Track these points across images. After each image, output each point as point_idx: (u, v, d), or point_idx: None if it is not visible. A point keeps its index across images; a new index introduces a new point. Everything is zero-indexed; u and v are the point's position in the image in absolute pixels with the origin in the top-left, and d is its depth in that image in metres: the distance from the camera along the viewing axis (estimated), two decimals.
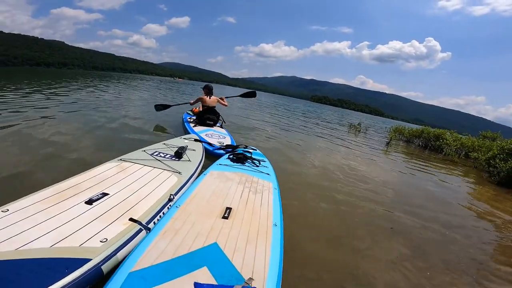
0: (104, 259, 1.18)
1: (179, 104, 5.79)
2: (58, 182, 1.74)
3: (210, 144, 3.52)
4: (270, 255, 1.29)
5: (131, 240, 1.35)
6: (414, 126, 14.00)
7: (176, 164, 2.49)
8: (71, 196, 1.60)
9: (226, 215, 1.64)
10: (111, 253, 1.23)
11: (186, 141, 3.36)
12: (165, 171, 2.26)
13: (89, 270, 1.11)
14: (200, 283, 1.02)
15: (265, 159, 3.17)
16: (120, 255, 1.26)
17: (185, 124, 4.68)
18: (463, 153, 9.31)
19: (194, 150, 3.04)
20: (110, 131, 4.38)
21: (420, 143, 10.65)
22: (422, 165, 6.36)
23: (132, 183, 1.92)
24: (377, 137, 11.28)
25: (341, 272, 1.76)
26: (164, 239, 1.34)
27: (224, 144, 3.59)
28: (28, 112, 4.81)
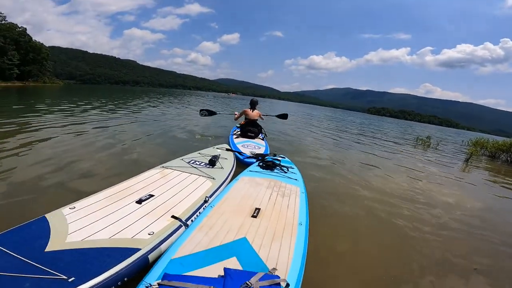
0: (150, 249, 1.37)
1: (225, 113, 5.98)
2: (113, 184, 2.05)
3: (240, 153, 3.68)
4: (294, 250, 1.36)
5: (173, 234, 1.53)
6: (497, 138, 12.05)
7: (210, 170, 2.69)
8: (124, 196, 1.87)
9: (255, 214, 1.75)
10: (156, 244, 1.41)
11: (218, 150, 3.58)
12: (201, 176, 2.47)
13: (138, 258, 1.29)
14: (229, 268, 1.14)
15: (294, 166, 3.23)
16: (163, 246, 1.44)
17: (230, 137, 4.93)
18: None
19: (226, 158, 3.23)
20: (160, 141, 4.98)
21: (508, 158, 8.96)
22: None
23: (173, 187, 2.15)
24: (452, 153, 9.62)
25: None
26: (200, 233, 1.49)
27: (255, 153, 3.73)
28: (104, 123, 5.66)
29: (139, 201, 1.81)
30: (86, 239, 1.38)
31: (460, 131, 65.27)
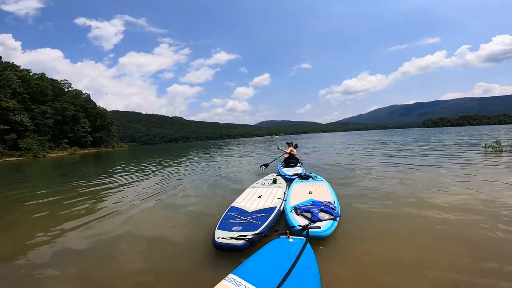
0: (279, 207, 3.57)
1: (277, 158, 8.38)
2: (242, 191, 4.36)
3: (287, 174, 6.07)
4: (332, 198, 3.62)
5: (282, 203, 3.75)
6: None
7: (275, 185, 4.94)
8: (251, 196, 4.13)
9: (310, 192, 4.00)
10: (279, 206, 3.61)
11: (273, 176, 5.87)
12: (274, 187, 4.72)
13: (277, 210, 3.46)
14: (314, 200, 3.38)
15: (319, 176, 5.49)
16: (281, 207, 3.65)
17: (279, 168, 7.53)
18: None
19: (280, 179, 5.51)
20: (235, 177, 7.45)
21: None
22: None
23: (266, 191, 4.40)
24: None
25: None
26: (292, 200, 3.73)
27: (296, 173, 6.05)
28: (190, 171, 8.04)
29: (259, 197, 4.06)
30: (256, 207, 3.59)
31: None
